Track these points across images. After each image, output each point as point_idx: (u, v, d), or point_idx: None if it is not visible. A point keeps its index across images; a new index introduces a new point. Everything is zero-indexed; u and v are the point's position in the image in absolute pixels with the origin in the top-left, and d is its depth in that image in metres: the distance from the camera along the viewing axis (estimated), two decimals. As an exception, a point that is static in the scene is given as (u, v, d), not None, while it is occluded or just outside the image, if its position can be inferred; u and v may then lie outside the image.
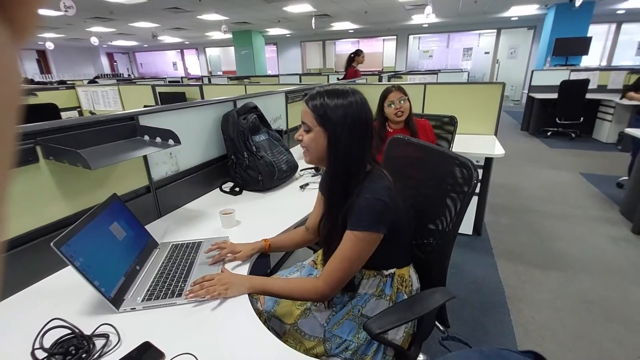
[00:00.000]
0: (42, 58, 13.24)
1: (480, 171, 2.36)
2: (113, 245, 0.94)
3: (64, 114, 3.52)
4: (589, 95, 5.25)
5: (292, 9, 7.40)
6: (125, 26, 9.21)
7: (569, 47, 7.66)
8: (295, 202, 1.50)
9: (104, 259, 0.88)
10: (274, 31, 11.32)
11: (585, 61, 8.09)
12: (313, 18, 7.12)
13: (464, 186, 0.92)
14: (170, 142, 1.17)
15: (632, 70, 5.57)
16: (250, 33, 10.93)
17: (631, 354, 1.53)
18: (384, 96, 2.00)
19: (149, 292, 0.89)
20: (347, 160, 0.85)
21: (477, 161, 2.32)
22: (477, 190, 2.43)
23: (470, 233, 2.57)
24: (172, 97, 3.60)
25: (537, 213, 2.96)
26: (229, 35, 10.92)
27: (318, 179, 1.75)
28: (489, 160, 2.34)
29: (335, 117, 0.83)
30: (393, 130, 2.04)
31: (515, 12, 8.65)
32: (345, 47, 13.08)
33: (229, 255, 1.02)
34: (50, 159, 0.97)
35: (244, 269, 1.00)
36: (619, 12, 8.81)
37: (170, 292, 0.89)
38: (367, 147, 0.86)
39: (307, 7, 7.30)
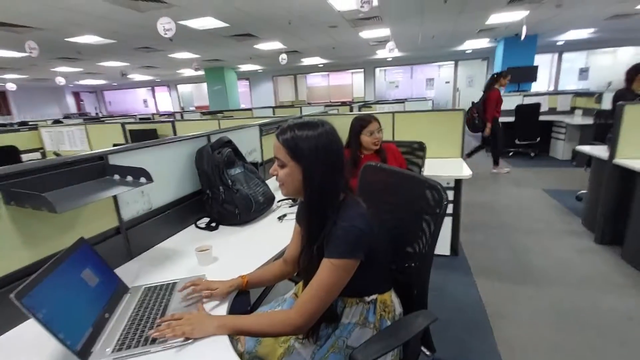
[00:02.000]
0: (2, 99, 12.74)
1: (451, 192, 2.47)
2: (79, 293, 0.88)
3: (25, 156, 3.36)
4: (541, 117, 5.73)
5: (263, 46, 7.70)
6: (93, 65, 9.14)
7: (520, 75, 8.42)
8: (274, 234, 1.48)
9: (70, 308, 0.82)
10: (245, 67, 11.64)
11: (535, 87, 8.89)
12: (281, 56, 7.42)
13: (436, 208, 0.96)
14: (142, 180, 1.15)
15: (576, 94, 6.18)
16: (223, 69, 11.16)
17: (609, 362, 1.58)
18: (363, 124, 2.05)
19: (119, 342, 0.83)
20: (323, 190, 0.86)
21: (447, 183, 2.42)
22: (450, 210, 2.52)
23: (448, 253, 2.62)
24: (144, 134, 3.55)
25: (507, 229, 3.08)
26: (201, 72, 11.09)
27: (295, 209, 1.75)
28: (458, 182, 2.45)
29: (307, 149, 0.84)
30: (364, 157, 2.10)
31: (469, 45, 9.48)
32: (316, 80, 13.61)
33: (205, 292, 0.98)
34: (11, 205, 0.92)
35: (223, 309, 0.96)
36: (559, 43, 9.87)
37: (143, 339, 0.83)
38: (340, 176, 0.88)
39: (277, 45, 7.62)
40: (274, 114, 6.14)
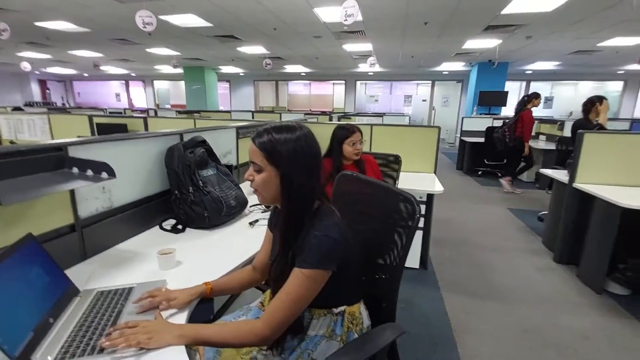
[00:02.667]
0: (-44, 81, 11.76)
1: (423, 206, 2.52)
2: (21, 295, 0.80)
3: (-24, 143, 3.09)
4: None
5: (246, 49, 7.64)
6: (63, 54, 8.66)
7: (491, 99, 8.93)
8: (244, 240, 1.43)
9: (9, 310, 0.74)
10: (227, 69, 11.48)
11: (505, 111, 9.41)
12: (265, 60, 7.40)
13: (408, 220, 0.96)
14: (104, 175, 1.07)
15: (541, 120, 6.58)
16: (203, 69, 10.95)
17: (564, 378, 1.64)
18: (346, 134, 2.07)
19: (63, 350, 0.75)
20: (301, 196, 0.84)
21: (420, 197, 2.47)
22: (422, 224, 2.57)
23: (417, 267, 2.65)
24: (112, 129, 3.38)
25: (474, 245, 3.19)
26: (179, 70, 10.81)
27: (268, 215, 1.71)
28: (430, 196, 2.51)
29: (286, 153, 0.81)
30: (345, 166, 2.11)
31: (445, 67, 9.91)
32: (298, 88, 13.66)
33: (162, 303, 0.91)
34: (-53, 194, 0.82)
35: (182, 317, 0.90)
36: (527, 72, 10.56)
37: (90, 347, 0.76)
38: (317, 182, 0.86)
39: (261, 50, 7.59)
40: (253, 118, 6.07)
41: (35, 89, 13.94)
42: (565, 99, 11.30)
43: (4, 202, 0.79)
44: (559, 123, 5.83)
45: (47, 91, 14.47)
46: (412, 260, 2.62)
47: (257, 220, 1.63)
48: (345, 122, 3.06)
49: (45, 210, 1.08)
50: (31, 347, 0.74)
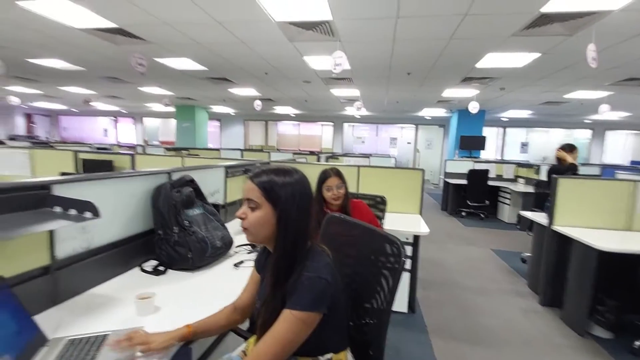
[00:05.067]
0: (-62, 112, 11.55)
1: (409, 248, 2.52)
2: (-18, 345, 0.74)
3: (-49, 177, 2.99)
4: (490, 182, 6.27)
5: (238, 91, 7.92)
6: (53, 89, 8.74)
7: (471, 143, 9.38)
8: (228, 282, 1.39)
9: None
10: (218, 108, 11.77)
11: (484, 154, 9.87)
12: (256, 102, 7.67)
13: (395, 263, 0.97)
14: (87, 215, 1.05)
15: (519, 164, 6.90)
16: (194, 108, 11.19)
17: None
18: (322, 179, 2.04)
19: (21, 410, 0.69)
20: (296, 237, 0.85)
21: (406, 238, 2.48)
22: (409, 266, 2.55)
23: (406, 311, 2.59)
24: (98, 165, 3.34)
25: (460, 287, 3.16)
26: (171, 109, 11.00)
27: (254, 256, 1.68)
28: (416, 238, 2.53)
29: (285, 195, 0.84)
30: (330, 211, 2.10)
31: (428, 112, 10.47)
32: (287, 128, 14.02)
33: (138, 347, 0.86)
34: None
35: (160, 367, 0.85)
36: (503, 119, 11.25)
37: (53, 406, 0.70)
38: (310, 223, 0.88)
39: (252, 92, 7.88)
40: (242, 157, 6.13)
41: (20, 122, 13.81)
42: (540, 144, 12.00)
43: (-22, 243, 0.76)
44: (535, 167, 6.13)
45: (33, 125, 14.33)
46: (400, 304, 2.57)
47: (242, 262, 1.60)
48: (331, 164, 3.14)
49: (20, 251, 1.03)
50: (-14, 406, 0.67)
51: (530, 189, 5.17)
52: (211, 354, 1.39)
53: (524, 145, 12.14)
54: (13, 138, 9.69)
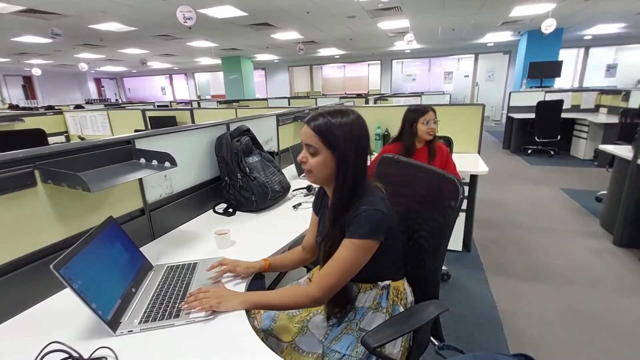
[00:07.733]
0: (28, 84, 13.17)
1: (466, 188, 2.45)
2: (110, 268, 0.94)
3: (51, 139, 3.50)
4: (564, 115, 5.54)
5: (280, 36, 7.68)
6: (115, 53, 9.32)
7: (543, 70, 8.15)
8: (289, 222, 1.52)
9: (101, 281, 0.88)
10: (262, 57, 11.64)
11: (559, 83, 8.59)
12: (298, 45, 7.40)
13: (451, 202, 0.97)
14: (167, 164, 1.20)
15: (602, 91, 5.94)
16: (239, 58, 11.20)
17: (620, 363, 1.57)
18: (420, 113, 2.03)
19: (145, 314, 0.89)
20: (355, 177, 0.89)
21: (463, 179, 2.40)
22: (465, 206, 2.50)
23: (460, 249, 2.61)
24: (163, 121, 3.63)
25: (522, 227, 3.05)
26: (218, 61, 11.16)
27: (310, 198, 1.78)
28: (474, 178, 2.43)
29: (342, 136, 0.86)
30: (417, 150, 2.07)
31: (490, 38, 9.20)
32: (332, 71, 13.51)
33: (231, 270, 1.04)
34: (48, 183, 0.98)
35: (242, 288, 1.01)
36: (586, 37, 9.47)
37: (167, 313, 0.89)
38: (366, 162, 0.92)
39: (294, 35, 7.59)
40: (289, 105, 6.16)
41: (92, 87, 15.21)
42: (632, 65, 9.99)
43: (92, 190, 0.92)
44: (623, 93, 5.24)
45: (102, 88, 15.72)
46: (455, 242, 2.58)
47: (299, 204, 1.71)
48: (379, 106, 3.01)
49: (120, 196, 1.24)
50: (120, 313, 0.88)
51: (614, 120, 4.51)
52: (280, 281, 1.59)
53: (611, 68, 10.22)
54: (89, 102, 10.79)
